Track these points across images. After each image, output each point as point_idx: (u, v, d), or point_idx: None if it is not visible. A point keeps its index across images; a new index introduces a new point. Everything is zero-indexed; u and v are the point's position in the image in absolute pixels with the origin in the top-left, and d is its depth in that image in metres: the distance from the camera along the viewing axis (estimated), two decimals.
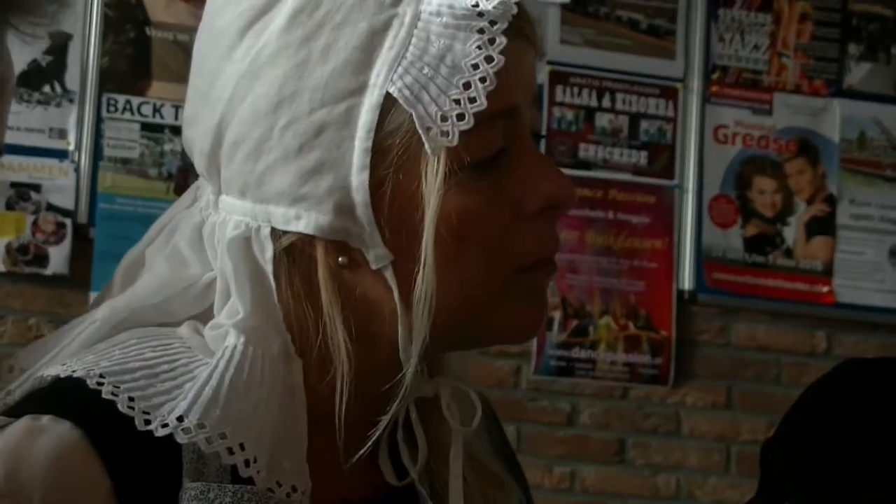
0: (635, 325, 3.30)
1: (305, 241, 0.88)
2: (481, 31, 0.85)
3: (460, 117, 0.84)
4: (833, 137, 3.45)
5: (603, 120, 3.35)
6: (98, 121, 3.07)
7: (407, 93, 0.85)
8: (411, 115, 0.85)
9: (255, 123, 0.87)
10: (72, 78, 3.07)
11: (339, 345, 0.88)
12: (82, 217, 3.06)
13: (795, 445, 1.25)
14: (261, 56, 0.86)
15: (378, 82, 0.85)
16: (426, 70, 0.85)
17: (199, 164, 0.92)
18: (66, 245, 3.04)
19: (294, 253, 0.89)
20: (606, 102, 3.35)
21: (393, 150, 0.85)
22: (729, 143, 3.40)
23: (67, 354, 0.92)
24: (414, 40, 0.85)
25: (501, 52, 0.85)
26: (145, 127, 3.10)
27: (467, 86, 0.85)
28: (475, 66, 0.85)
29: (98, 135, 3.07)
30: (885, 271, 3.43)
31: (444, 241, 0.86)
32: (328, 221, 0.87)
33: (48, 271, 3.03)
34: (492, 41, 0.85)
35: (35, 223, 3.03)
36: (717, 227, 3.38)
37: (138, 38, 3.11)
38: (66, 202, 3.05)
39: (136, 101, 3.10)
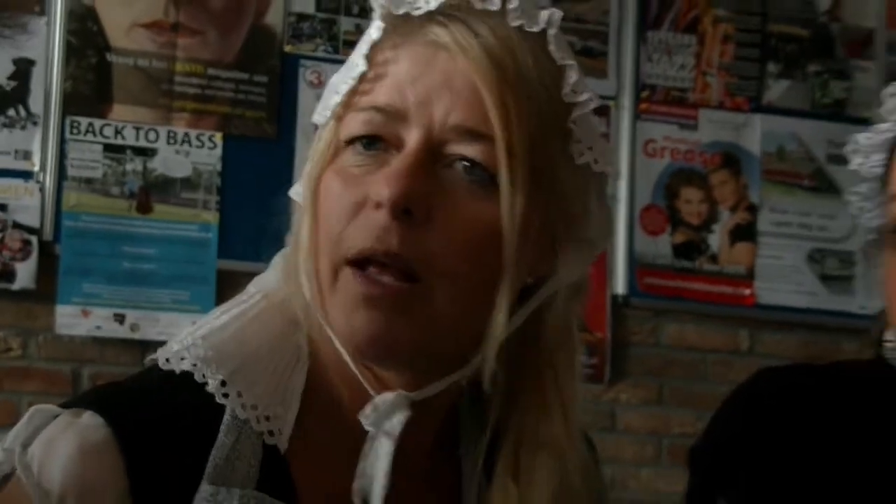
0: None
1: None
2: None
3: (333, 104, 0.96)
4: (754, 150, 3.50)
5: None
6: (62, 142, 3.10)
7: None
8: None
9: None
10: (35, 102, 3.10)
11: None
12: (48, 234, 3.08)
13: (721, 448, 1.36)
14: None
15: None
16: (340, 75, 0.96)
17: None
18: (33, 261, 3.05)
19: None
20: None
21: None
22: (658, 157, 3.47)
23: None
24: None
25: (371, 55, 0.94)
26: (107, 148, 3.14)
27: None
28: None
29: (62, 156, 3.10)
30: (803, 274, 3.48)
31: (317, 205, 0.94)
32: None
33: (15, 286, 3.05)
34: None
35: (2, 241, 3.05)
36: (648, 234, 3.44)
37: (100, 63, 3.15)
38: (32, 220, 3.07)
39: (98, 123, 3.13)
